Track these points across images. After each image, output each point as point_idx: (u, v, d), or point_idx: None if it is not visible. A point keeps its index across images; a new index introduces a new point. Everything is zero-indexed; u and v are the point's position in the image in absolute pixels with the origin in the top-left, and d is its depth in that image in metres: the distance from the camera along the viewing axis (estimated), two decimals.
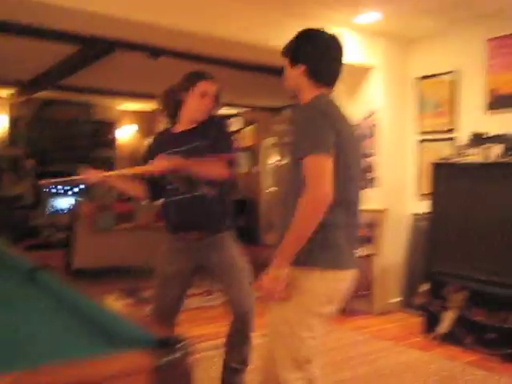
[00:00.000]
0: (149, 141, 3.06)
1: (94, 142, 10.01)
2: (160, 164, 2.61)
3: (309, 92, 2.14)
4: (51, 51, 5.87)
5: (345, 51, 2.23)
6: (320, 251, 1.99)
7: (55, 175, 9.70)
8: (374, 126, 5.18)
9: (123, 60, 6.12)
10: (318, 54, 2.14)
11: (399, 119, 5.31)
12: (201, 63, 5.77)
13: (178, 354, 1.41)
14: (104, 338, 1.59)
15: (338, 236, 2.01)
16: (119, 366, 1.35)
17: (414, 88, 5.30)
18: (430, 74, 5.18)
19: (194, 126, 2.79)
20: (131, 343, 1.48)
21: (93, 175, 2.89)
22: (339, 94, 5.40)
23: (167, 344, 1.44)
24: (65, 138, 9.70)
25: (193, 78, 2.77)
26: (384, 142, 5.19)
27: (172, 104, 2.83)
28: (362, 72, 5.28)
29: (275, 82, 7.22)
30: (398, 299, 5.32)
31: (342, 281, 2.05)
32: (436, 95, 5.11)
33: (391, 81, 5.29)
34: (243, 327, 2.80)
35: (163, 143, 2.84)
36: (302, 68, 2.13)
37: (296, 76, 2.15)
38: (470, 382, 3.46)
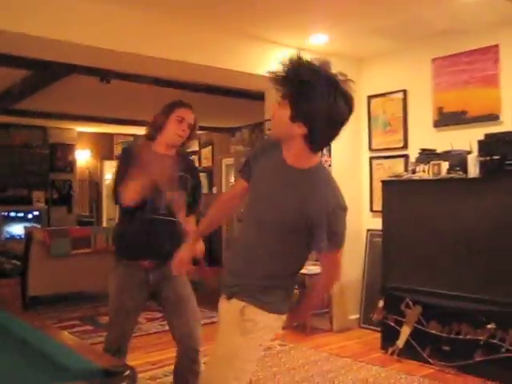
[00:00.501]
0: (128, 147, 3.05)
1: (52, 165, 9.85)
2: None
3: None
4: (3, 76, 5.79)
5: None
6: (288, 301, 2.09)
7: (9, 201, 9.48)
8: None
9: (77, 84, 6.08)
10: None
11: (352, 137, 5.40)
12: (155, 85, 5.80)
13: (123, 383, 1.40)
14: (51, 371, 1.57)
15: None
16: None
17: (366, 106, 5.42)
18: (380, 92, 5.32)
19: (173, 154, 2.89)
20: (78, 375, 1.46)
21: None
22: None
23: (113, 374, 1.44)
24: (19, 163, 9.51)
25: (172, 105, 2.90)
26: (338, 160, 5.27)
27: (154, 128, 2.92)
28: None
29: (230, 103, 7.31)
30: (357, 316, 5.38)
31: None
32: (386, 113, 5.25)
33: None
34: (193, 365, 2.83)
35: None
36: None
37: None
38: None
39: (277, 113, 1.94)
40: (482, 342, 3.86)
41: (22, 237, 7.43)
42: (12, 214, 9.29)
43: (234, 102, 6.86)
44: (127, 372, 1.44)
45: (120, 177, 2.79)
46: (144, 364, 4.05)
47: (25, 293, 6.05)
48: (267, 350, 4.51)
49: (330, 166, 5.22)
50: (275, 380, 3.82)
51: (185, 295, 2.87)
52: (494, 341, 3.80)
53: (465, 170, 4.15)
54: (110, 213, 11.22)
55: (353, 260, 5.31)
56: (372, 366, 4.15)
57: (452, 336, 4.03)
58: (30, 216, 9.43)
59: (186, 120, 2.87)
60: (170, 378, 3.66)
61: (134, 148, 2.98)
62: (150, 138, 2.93)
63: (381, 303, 4.57)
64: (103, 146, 10.70)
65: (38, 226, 8.88)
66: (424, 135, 4.90)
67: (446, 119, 4.74)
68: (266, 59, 4.84)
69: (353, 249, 5.29)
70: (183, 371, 2.88)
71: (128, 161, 2.78)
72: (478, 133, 4.24)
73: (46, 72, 5.37)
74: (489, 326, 3.84)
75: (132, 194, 2.68)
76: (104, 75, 5.16)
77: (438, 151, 4.50)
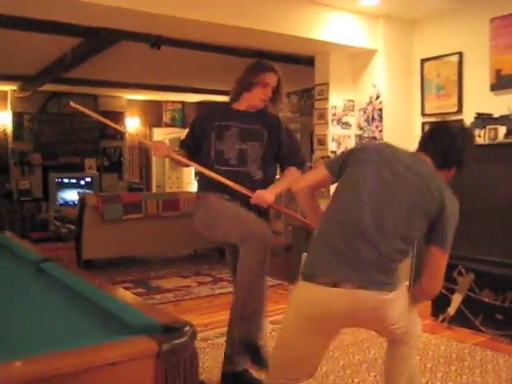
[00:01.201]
0: (202, 110, 3.22)
1: (102, 133, 10.04)
2: (263, 201, 2.78)
3: None
4: (54, 44, 5.89)
5: None
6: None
7: (63, 168, 9.75)
8: (379, 109, 5.16)
9: (127, 51, 6.13)
10: None
11: (404, 102, 5.28)
12: (204, 51, 5.78)
13: (183, 339, 1.43)
14: (111, 325, 1.62)
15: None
16: (126, 352, 1.38)
17: (419, 70, 5.27)
18: (434, 55, 5.15)
19: (254, 111, 2.94)
20: (138, 330, 1.51)
21: (162, 149, 2.93)
22: (344, 78, 5.40)
23: (173, 329, 1.47)
24: (71, 131, 9.74)
25: (257, 68, 2.91)
26: (390, 126, 5.17)
27: (237, 89, 2.95)
28: (366, 55, 5.25)
29: (279, 69, 7.23)
30: (407, 282, 5.32)
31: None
32: (440, 77, 5.08)
33: (395, 63, 5.26)
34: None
35: (225, 113, 2.96)
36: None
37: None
38: (478, 363, 3.47)
39: None
40: None
41: (76, 202, 7.66)
42: (65, 181, 9.57)
43: (283, 68, 6.76)
44: (187, 328, 1.47)
45: (188, 136, 3.03)
46: (196, 326, 4.13)
47: (80, 256, 6.26)
48: None
49: (381, 131, 5.13)
50: None
51: None
52: None
53: None
54: (159, 179, 11.41)
55: None
56: (422, 333, 4.11)
57: (506, 305, 3.95)
58: (82, 183, 9.70)
59: (270, 84, 2.88)
60: (222, 340, 3.74)
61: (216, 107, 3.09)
62: (233, 99, 2.97)
63: None
64: (152, 114, 10.81)
65: (91, 192, 9.13)
66: (480, 99, 4.73)
67: (504, 82, 4.55)
68: (317, 22, 4.74)
69: None
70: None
71: (202, 123, 2.97)
72: None
73: (96, 39, 5.42)
74: None
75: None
76: (154, 41, 5.17)
77: (495, 115, 4.34)
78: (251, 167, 2.88)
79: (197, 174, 3.10)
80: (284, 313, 2.31)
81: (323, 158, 5.33)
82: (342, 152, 2.48)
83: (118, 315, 1.68)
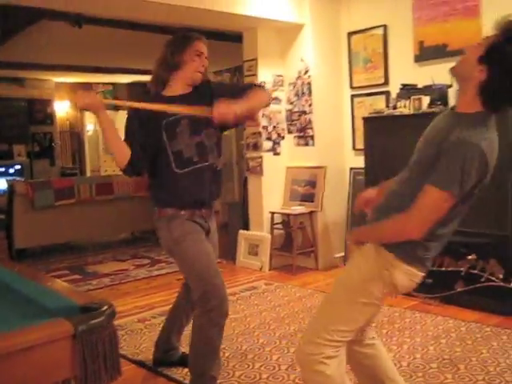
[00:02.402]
0: (132, 111, 2.61)
1: (31, 118, 9.67)
2: (227, 112, 2.30)
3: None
4: None
5: None
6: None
7: None
8: (308, 83, 5.20)
9: (49, 31, 5.90)
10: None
11: (333, 75, 5.34)
12: (129, 30, 5.64)
13: (100, 319, 1.41)
14: (30, 311, 1.58)
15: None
16: (41, 335, 1.36)
17: (346, 43, 5.33)
18: (360, 28, 5.22)
19: (189, 92, 2.63)
20: (57, 313, 1.48)
21: (90, 98, 2.39)
22: (272, 53, 5.38)
23: (90, 310, 1.45)
24: None
25: (186, 40, 2.62)
26: (319, 99, 5.22)
27: (165, 70, 2.61)
28: (294, 30, 5.27)
29: (209, 46, 7.16)
30: (342, 254, 5.45)
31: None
32: (367, 49, 5.16)
33: (323, 37, 5.29)
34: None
35: (167, 103, 2.55)
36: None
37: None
38: (408, 325, 3.62)
39: (471, 49, 1.83)
40: (462, 273, 3.94)
41: (5, 191, 7.38)
42: None
43: (212, 45, 6.71)
44: (104, 307, 1.45)
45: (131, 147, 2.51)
46: (133, 308, 4.11)
47: (11, 246, 6.06)
48: (253, 289, 4.60)
49: (310, 105, 5.18)
50: (261, 317, 3.90)
51: (216, 244, 2.80)
52: (475, 271, 3.88)
53: (446, 103, 4.13)
54: (93, 164, 11.15)
55: (336, 199, 5.35)
56: None
57: (435, 268, 4.10)
58: (11, 170, 9.34)
59: (203, 53, 2.61)
60: (159, 320, 3.75)
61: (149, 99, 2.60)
62: (158, 87, 2.62)
63: None
64: None
65: (21, 179, 8.81)
66: (405, 71, 4.84)
67: (426, 53, 4.67)
68: None
69: (336, 187, 5.33)
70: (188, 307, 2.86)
71: (144, 125, 2.52)
72: None
73: (10, 19, 5.17)
74: (469, 257, 3.91)
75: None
76: (74, 19, 4.99)
77: (419, 86, 4.45)
78: (211, 157, 2.61)
79: (151, 185, 2.68)
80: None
81: (254, 134, 5.35)
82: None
83: (38, 300, 1.64)
